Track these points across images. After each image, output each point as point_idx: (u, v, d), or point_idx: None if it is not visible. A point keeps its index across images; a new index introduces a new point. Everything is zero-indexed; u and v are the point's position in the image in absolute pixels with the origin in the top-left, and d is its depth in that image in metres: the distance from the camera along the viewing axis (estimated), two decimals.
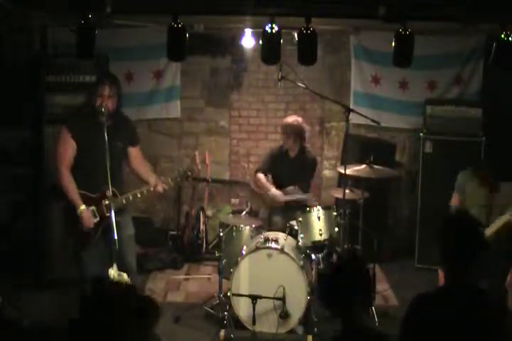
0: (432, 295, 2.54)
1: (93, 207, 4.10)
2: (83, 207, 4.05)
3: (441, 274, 3.86)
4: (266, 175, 5.41)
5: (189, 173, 4.30)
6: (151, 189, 4.22)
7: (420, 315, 2.45)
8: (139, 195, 4.16)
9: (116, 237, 3.79)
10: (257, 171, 5.45)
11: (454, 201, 4.58)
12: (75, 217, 4.06)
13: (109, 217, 3.90)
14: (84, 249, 4.15)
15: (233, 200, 6.70)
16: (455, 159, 5.43)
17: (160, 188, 4.23)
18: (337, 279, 2.54)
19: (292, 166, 5.30)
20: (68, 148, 4.11)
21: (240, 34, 5.88)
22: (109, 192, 3.94)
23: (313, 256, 4.65)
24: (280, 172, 5.36)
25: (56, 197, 4.33)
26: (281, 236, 4.65)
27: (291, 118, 5.34)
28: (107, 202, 4.03)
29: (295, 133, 5.24)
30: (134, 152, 4.37)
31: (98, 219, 4.09)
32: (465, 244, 2.48)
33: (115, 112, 4.14)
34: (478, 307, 2.40)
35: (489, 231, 4.28)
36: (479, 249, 2.49)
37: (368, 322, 2.47)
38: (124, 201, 4.10)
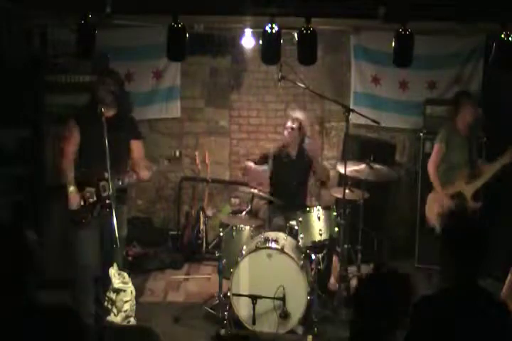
0: (438, 295, 2.53)
1: (91, 189, 4.23)
2: (72, 188, 4.20)
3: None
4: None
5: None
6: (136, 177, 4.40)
7: (426, 316, 2.44)
8: (131, 179, 4.36)
9: (117, 235, 3.95)
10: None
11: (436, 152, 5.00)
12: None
13: (105, 199, 4.18)
14: (78, 230, 4.23)
15: (233, 200, 6.70)
16: None
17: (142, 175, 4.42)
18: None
19: (294, 167, 5.20)
20: (72, 141, 4.26)
21: (240, 34, 5.87)
22: (107, 174, 4.12)
23: (313, 256, 4.64)
24: (281, 174, 5.24)
25: (56, 196, 4.38)
26: (281, 236, 4.65)
27: (297, 113, 5.20)
28: (102, 183, 4.20)
29: (300, 127, 5.11)
30: (135, 145, 4.48)
31: (95, 199, 4.23)
32: (471, 247, 2.46)
33: (116, 105, 4.27)
34: (485, 308, 2.40)
35: (480, 182, 4.58)
36: (485, 251, 2.47)
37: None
38: (120, 183, 4.27)
